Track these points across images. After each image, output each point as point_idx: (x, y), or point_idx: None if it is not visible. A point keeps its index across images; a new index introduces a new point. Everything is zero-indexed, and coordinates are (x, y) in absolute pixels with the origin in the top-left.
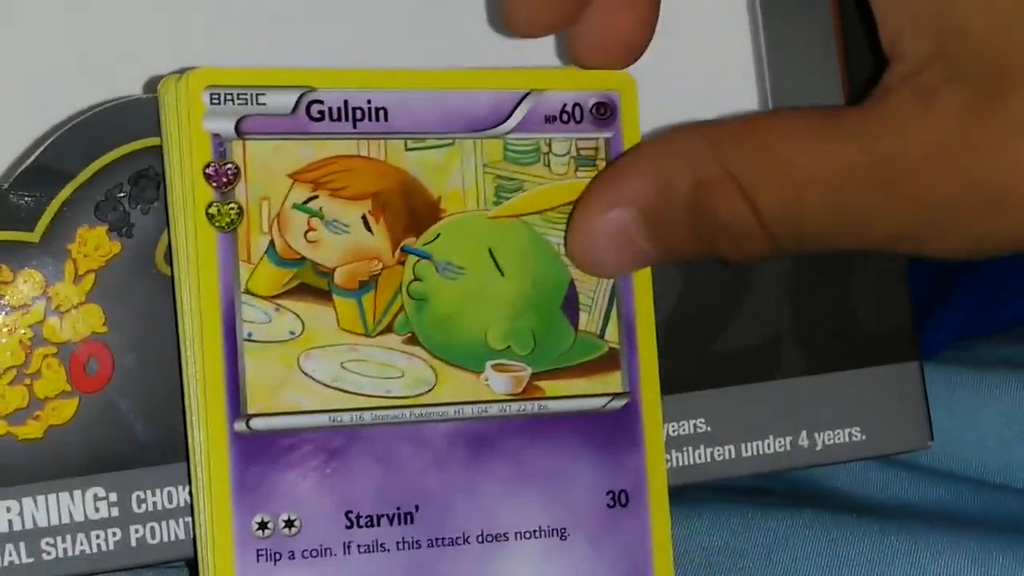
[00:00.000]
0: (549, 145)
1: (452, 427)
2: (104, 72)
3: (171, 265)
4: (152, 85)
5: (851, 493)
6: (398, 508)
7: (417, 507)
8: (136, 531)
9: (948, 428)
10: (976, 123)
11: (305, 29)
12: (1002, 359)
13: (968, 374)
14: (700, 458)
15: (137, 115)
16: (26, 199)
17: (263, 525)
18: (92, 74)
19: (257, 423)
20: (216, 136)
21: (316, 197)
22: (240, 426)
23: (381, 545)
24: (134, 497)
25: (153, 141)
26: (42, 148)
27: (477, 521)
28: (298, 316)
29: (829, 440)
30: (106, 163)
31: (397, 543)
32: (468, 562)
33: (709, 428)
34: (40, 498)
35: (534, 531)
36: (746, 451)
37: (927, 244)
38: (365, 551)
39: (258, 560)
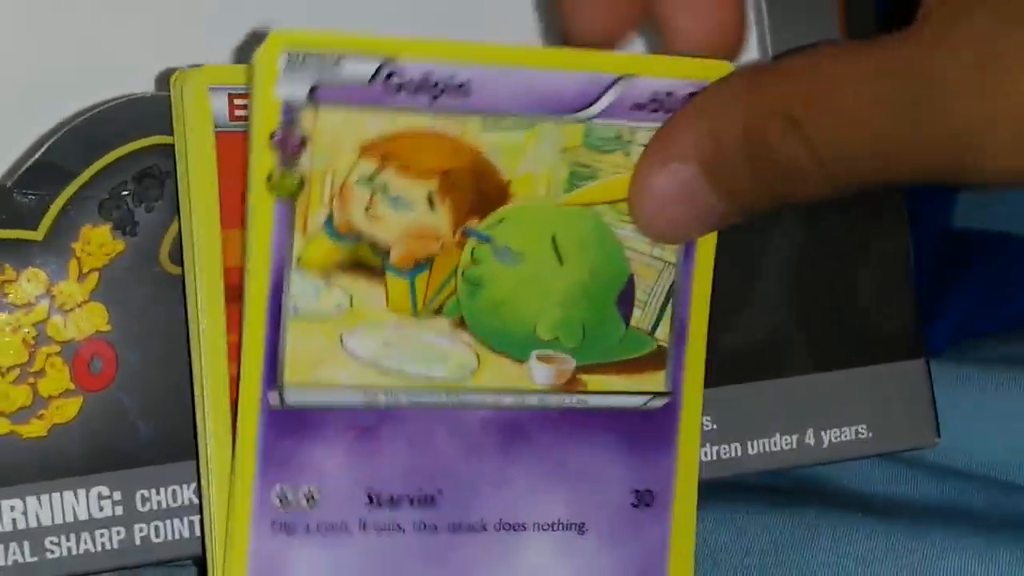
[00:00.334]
0: (632, 134)
1: (488, 415)
2: (109, 68)
3: (176, 262)
4: (162, 81)
5: (858, 490)
6: (420, 490)
7: (440, 491)
8: (140, 530)
9: (954, 425)
10: (1005, 40)
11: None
12: (1008, 357)
13: (974, 372)
14: (707, 456)
15: (142, 113)
16: (30, 197)
17: (283, 498)
18: (97, 71)
19: (291, 396)
20: (287, 103)
21: (382, 172)
22: (274, 398)
23: (398, 526)
24: (138, 496)
25: (158, 139)
26: (46, 146)
27: (498, 510)
28: (347, 292)
29: (836, 438)
30: (110, 161)
31: (415, 525)
32: (483, 549)
33: (715, 426)
34: (44, 497)
35: (553, 524)
36: (752, 449)
37: (971, 168)
38: (382, 531)
39: (273, 532)
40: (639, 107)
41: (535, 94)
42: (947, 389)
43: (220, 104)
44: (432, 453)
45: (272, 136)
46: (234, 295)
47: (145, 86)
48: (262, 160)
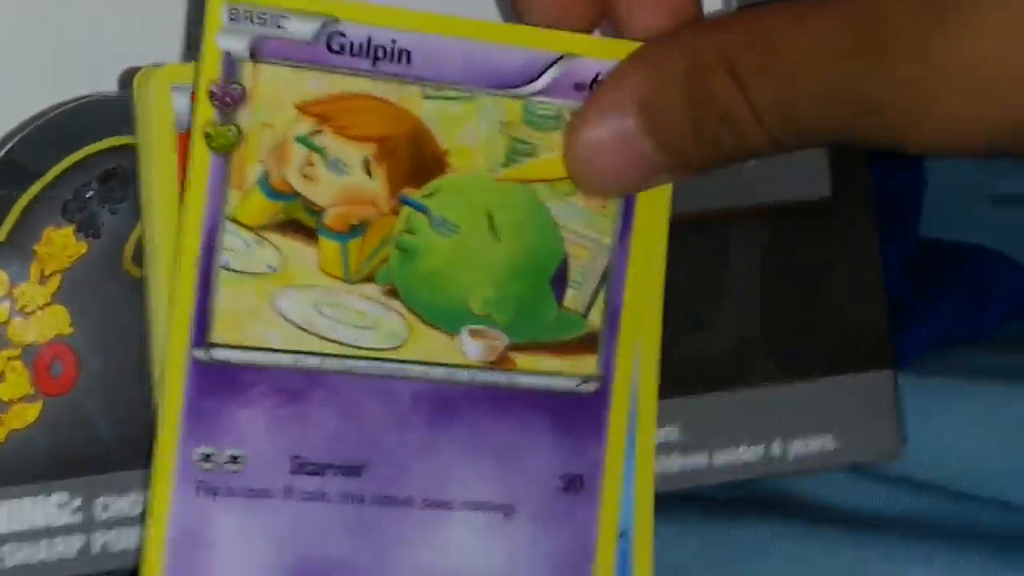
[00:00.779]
0: (572, 114)
1: (417, 386)
2: (73, 68)
3: (140, 265)
4: (126, 81)
5: (823, 503)
6: (347, 460)
7: (367, 462)
8: (100, 538)
9: (921, 438)
10: None
11: None
12: (975, 368)
13: (941, 383)
14: (673, 466)
15: (107, 113)
16: None
17: (207, 457)
18: (60, 70)
19: (219, 353)
20: (228, 54)
21: (320, 132)
22: (201, 353)
23: (324, 494)
24: (98, 503)
25: (123, 139)
26: (9, 146)
27: (425, 485)
28: (279, 251)
29: (803, 448)
30: (74, 161)
31: (340, 495)
32: (410, 525)
33: (682, 436)
34: (2, 503)
35: (481, 503)
36: (719, 459)
37: (910, 130)
38: (306, 499)
39: (197, 492)
40: (580, 88)
41: (476, 66)
42: (916, 400)
43: (182, 104)
44: (360, 423)
45: (211, 87)
46: None
47: (111, 85)
48: (200, 111)
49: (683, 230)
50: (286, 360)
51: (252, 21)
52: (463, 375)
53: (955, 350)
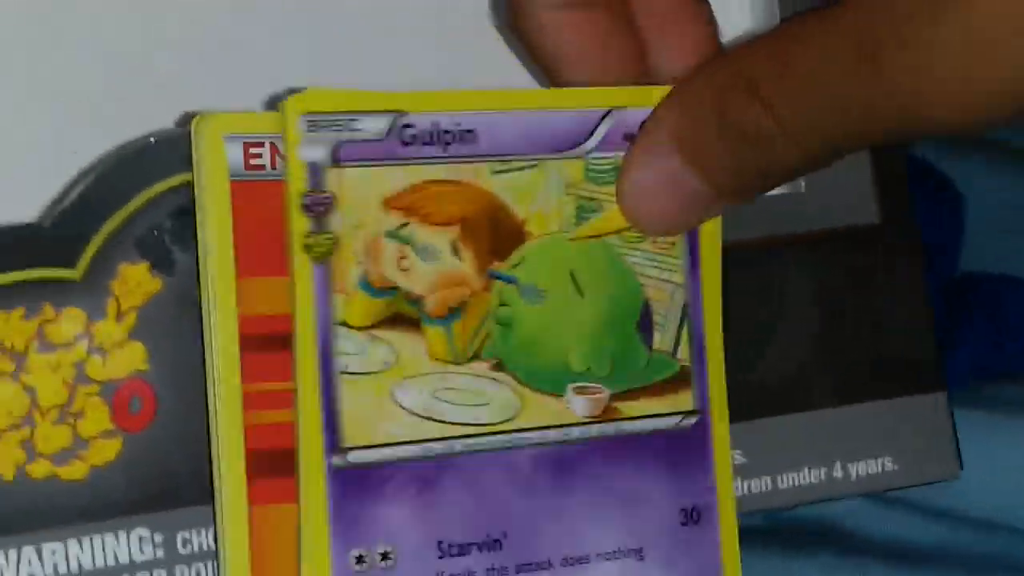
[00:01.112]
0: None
1: (536, 452)
2: (145, 106)
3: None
4: (183, 123)
5: (859, 534)
6: (487, 535)
7: (505, 533)
8: (182, 572)
9: (964, 470)
10: None
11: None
12: (1009, 401)
13: (979, 416)
14: (739, 490)
15: (178, 150)
16: (68, 236)
17: (360, 559)
18: (133, 108)
19: (354, 456)
20: (312, 164)
21: (407, 224)
22: (338, 460)
23: (471, 573)
24: (179, 537)
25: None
26: (83, 184)
27: (561, 544)
28: (391, 346)
29: (863, 471)
30: (148, 199)
31: (486, 570)
32: None
33: (746, 460)
34: (85, 539)
35: (613, 551)
36: (783, 483)
37: (921, 118)
38: None
39: None
40: (631, 137)
41: (536, 134)
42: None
43: (235, 153)
44: (492, 497)
45: (303, 199)
46: (250, 344)
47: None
48: (297, 224)
49: (737, 259)
50: (414, 451)
51: (329, 128)
52: (576, 433)
53: (987, 384)
